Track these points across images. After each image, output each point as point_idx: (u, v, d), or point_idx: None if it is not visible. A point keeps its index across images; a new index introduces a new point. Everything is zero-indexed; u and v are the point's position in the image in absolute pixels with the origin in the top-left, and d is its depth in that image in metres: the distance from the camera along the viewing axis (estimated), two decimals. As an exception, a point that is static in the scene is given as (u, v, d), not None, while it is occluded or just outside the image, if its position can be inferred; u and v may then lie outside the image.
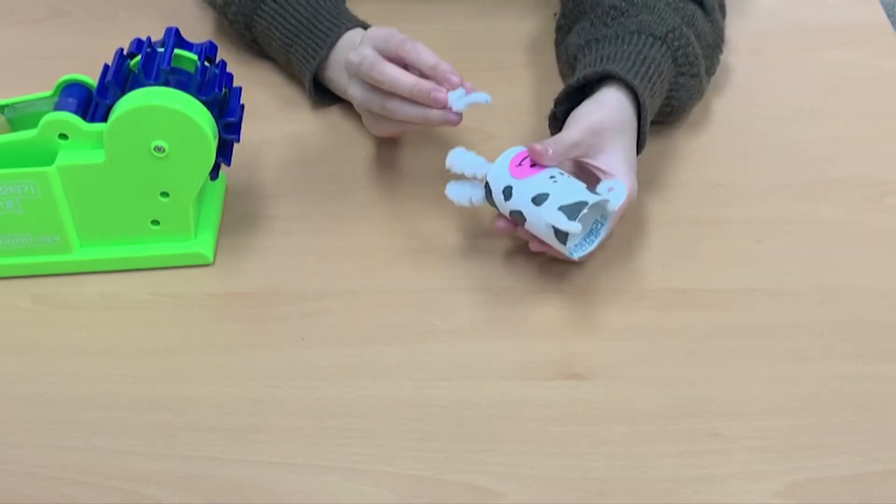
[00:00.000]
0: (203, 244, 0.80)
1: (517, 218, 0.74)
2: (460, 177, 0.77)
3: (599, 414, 0.69)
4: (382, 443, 0.68)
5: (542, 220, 0.72)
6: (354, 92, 0.81)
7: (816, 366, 0.72)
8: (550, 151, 0.74)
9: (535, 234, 0.74)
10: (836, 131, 0.91)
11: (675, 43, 0.83)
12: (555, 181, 0.73)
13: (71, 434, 0.69)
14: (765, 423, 0.69)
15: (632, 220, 0.82)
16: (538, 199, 0.72)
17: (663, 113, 0.87)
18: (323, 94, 0.92)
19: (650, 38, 0.83)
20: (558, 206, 0.71)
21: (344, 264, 0.80)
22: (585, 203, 0.71)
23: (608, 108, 0.78)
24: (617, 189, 0.73)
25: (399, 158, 0.88)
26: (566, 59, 0.91)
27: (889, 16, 1.05)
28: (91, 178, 0.74)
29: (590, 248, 0.74)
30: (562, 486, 0.65)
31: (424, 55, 0.77)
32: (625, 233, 0.81)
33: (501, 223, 0.76)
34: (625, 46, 0.82)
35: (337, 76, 0.89)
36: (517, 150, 0.75)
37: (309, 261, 0.80)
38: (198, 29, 1.02)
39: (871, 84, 0.96)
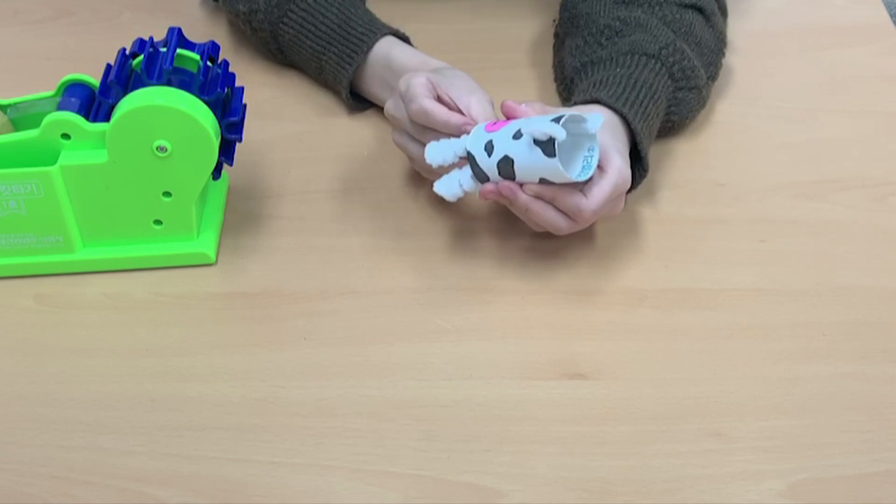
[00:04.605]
0: (205, 244, 0.80)
1: (505, 168, 0.72)
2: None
3: (602, 414, 0.69)
4: (385, 443, 0.68)
5: (526, 146, 0.70)
6: (399, 140, 0.80)
7: (819, 366, 0.72)
8: (524, 107, 0.74)
9: (525, 174, 0.71)
10: (838, 131, 0.91)
11: (671, 59, 0.83)
12: (529, 120, 0.72)
13: (74, 434, 0.69)
14: (767, 422, 0.69)
15: (634, 220, 0.82)
16: (518, 135, 0.71)
17: (664, 129, 0.87)
18: (359, 99, 0.92)
19: (643, 58, 0.83)
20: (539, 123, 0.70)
21: (346, 264, 0.80)
22: (563, 115, 0.69)
23: (596, 111, 0.78)
24: (591, 116, 0.71)
25: (401, 158, 0.88)
26: (562, 79, 0.91)
27: (892, 15, 1.05)
28: (94, 178, 0.74)
29: (590, 173, 0.71)
30: (564, 486, 0.65)
31: (435, 117, 0.76)
32: (627, 232, 0.81)
33: (488, 187, 0.73)
34: (617, 69, 0.82)
35: (372, 87, 0.89)
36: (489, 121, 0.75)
37: (311, 260, 0.80)
38: (200, 29, 1.03)
39: (874, 84, 0.96)
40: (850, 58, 0.99)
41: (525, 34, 1.01)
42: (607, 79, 0.81)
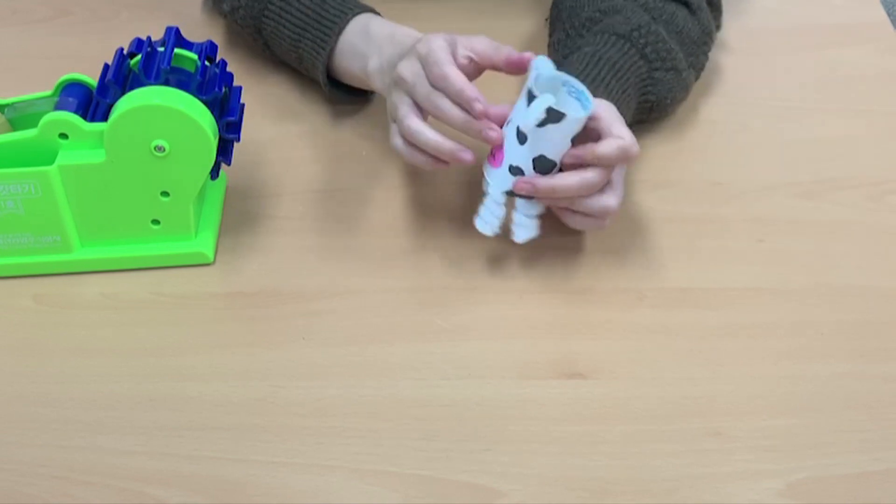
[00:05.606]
0: (203, 243, 0.80)
1: (542, 166, 0.72)
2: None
3: (601, 413, 0.69)
4: (384, 442, 0.68)
5: (537, 134, 0.70)
6: (397, 101, 0.77)
7: (818, 365, 0.72)
8: (529, 54, 0.74)
9: (559, 151, 0.72)
10: (836, 130, 0.91)
11: (642, 40, 0.83)
12: (512, 121, 0.72)
13: (73, 434, 0.69)
14: (766, 422, 0.69)
15: (632, 219, 0.82)
16: (522, 138, 0.71)
17: (644, 109, 0.86)
18: (338, 88, 0.90)
19: (612, 38, 0.83)
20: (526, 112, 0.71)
21: (345, 263, 0.80)
22: (529, 88, 0.70)
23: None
24: (536, 64, 0.72)
25: (399, 158, 0.88)
26: None
27: (889, 14, 1.05)
28: (91, 178, 0.74)
29: (590, 97, 0.71)
30: (563, 486, 0.65)
31: (452, 80, 0.73)
32: (625, 231, 0.81)
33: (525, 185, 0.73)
34: (586, 48, 0.82)
35: (348, 63, 0.86)
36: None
37: (310, 260, 0.80)
38: (198, 29, 1.02)
39: (872, 82, 0.96)
40: (849, 57, 0.99)
41: (525, 34, 1.01)
42: (573, 59, 0.82)
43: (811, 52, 1.00)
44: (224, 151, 0.77)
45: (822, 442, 0.68)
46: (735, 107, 0.94)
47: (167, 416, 0.70)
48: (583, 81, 0.77)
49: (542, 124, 0.70)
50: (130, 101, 0.71)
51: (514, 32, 1.01)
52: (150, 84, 0.72)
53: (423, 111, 0.76)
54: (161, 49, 0.76)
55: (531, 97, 0.70)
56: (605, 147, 0.72)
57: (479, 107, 0.72)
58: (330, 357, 0.73)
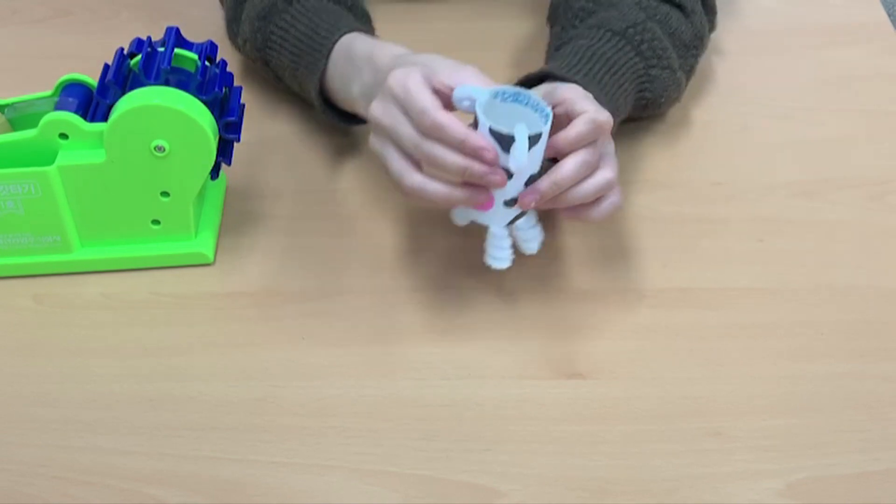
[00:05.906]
0: (203, 244, 0.80)
1: (532, 182, 0.70)
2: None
3: (600, 413, 0.69)
4: (384, 442, 0.68)
5: (527, 161, 0.67)
6: (383, 152, 0.72)
7: (817, 365, 0.72)
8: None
9: (539, 159, 0.69)
10: (836, 130, 0.91)
11: (638, 37, 0.83)
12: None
13: (72, 434, 0.69)
14: (766, 422, 0.69)
15: (631, 220, 0.82)
16: (508, 174, 0.69)
17: (638, 107, 0.85)
18: (335, 113, 0.85)
19: (608, 34, 0.82)
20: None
21: (344, 264, 0.80)
22: (486, 125, 0.67)
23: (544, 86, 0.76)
24: (463, 98, 0.69)
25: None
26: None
27: (889, 14, 1.05)
28: (91, 178, 0.74)
29: (541, 102, 0.69)
30: (563, 486, 0.65)
31: (450, 131, 0.67)
32: (624, 232, 0.81)
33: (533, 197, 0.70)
34: (580, 41, 0.82)
35: (339, 87, 0.82)
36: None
37: (309, 260, 0.80)
38: (198, 29, 1.02)
39: (872, 83, 0.96)
40: (848, 57, 0.99)
41: (524, 35, 1.01)
42: (566, 52, 0.81)
43: (811, 53, 1.00)
44: (224, 151, 0.77)
45: (822, 442, 0.68)
46: (735, 107, 0.94)
47: (166, 416, 0.70)
48: (576, 76, 0.77)
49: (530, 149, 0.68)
50: (130, 101, 0.71)
51: (514, 34, 1.01)
52: (150, 84, 0.72)
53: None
54: (161, 49, 0.76)
55: (500, 137, 0.67)
56: (575, 129, 0.68)
57: (489, 156, 0.67)
58: (329, 357, 0.73)
